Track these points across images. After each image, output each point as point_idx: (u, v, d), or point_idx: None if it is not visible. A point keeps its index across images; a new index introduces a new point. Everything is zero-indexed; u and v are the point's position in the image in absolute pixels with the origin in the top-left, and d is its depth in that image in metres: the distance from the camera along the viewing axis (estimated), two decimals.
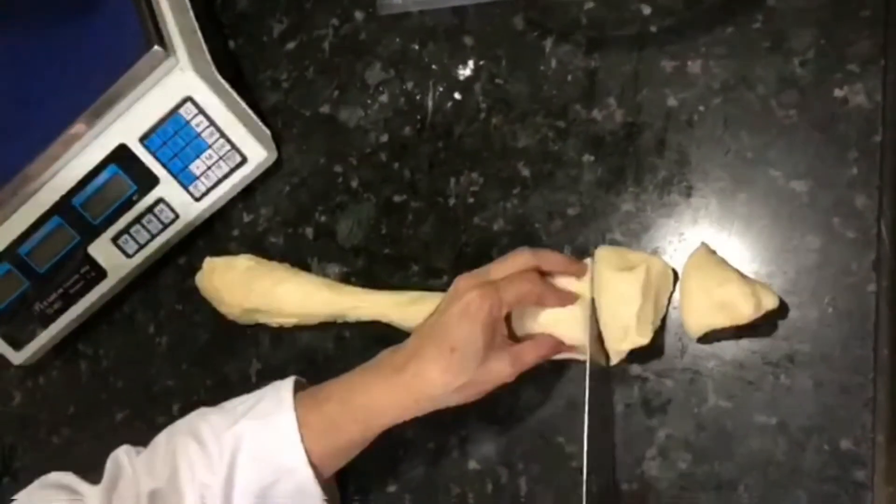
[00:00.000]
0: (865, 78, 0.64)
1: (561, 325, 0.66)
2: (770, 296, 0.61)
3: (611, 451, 0.66)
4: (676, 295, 0.66)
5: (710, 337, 0.64)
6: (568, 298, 0.66)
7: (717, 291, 0.61)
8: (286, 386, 0.66)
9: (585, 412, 0.63)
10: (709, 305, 0.62)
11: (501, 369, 0.63)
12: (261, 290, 0.78)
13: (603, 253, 0.66)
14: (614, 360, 0.66)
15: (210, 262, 0.82)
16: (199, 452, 0.64)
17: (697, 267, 0.63)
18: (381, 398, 0.63)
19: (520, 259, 0.65)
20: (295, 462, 0.63)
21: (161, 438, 0.68)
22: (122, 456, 0.68)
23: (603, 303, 0.65)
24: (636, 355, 0.67)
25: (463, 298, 0.62)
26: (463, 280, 0.64)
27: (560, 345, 0.66)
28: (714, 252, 0.65)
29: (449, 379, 0.61)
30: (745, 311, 0.60)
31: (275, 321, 0.79)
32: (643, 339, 0.64)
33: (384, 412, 0.63)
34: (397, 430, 0.72)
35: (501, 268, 0.65)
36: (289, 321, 0.79)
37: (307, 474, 0.63)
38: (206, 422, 0.66)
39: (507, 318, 0.66)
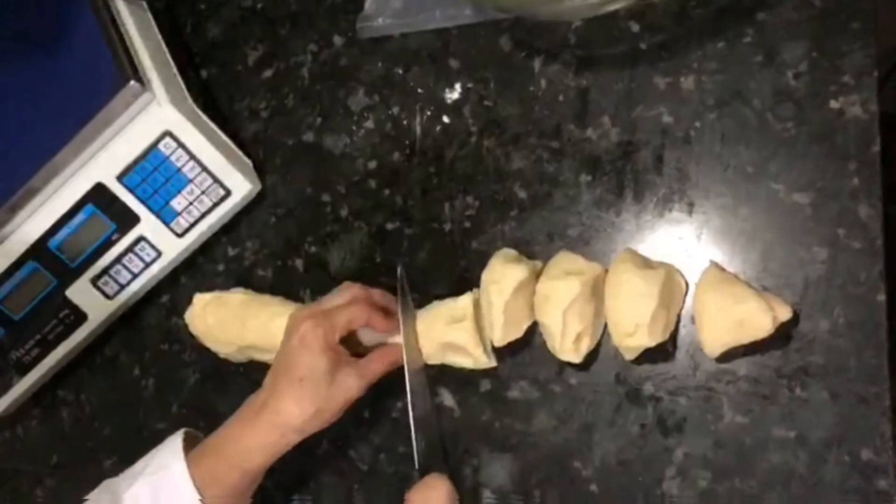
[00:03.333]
0: (860, 89, 0.65)
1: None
2: (784, 307, 0.62)
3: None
4: (686, 313, 0.66)
5: (725, 355, 0.64)
6: (393, 325, 0.71)
7: (733, 309, 0.61)
8: (176, 441, 0.69)
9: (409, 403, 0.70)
10: (727, 324, 0.62)
11: (350, 385, 0.67)
12: (256, 325, 0.76)
13: (625, 254, 0.66)
14: (627, 357, 0.66)
15: (200, 299, 0.80)
16: None
17: (710, 286, 0.63)
18: (248, 442, 0.66)
19: (348, 290, 0.71)
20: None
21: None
22: None
23: (619, 298, 0.65)
24: (647, 375, 0.67)
25: (299, 330, 0.67)
26: (296, 314, 0.69)
27: (398, 357, 0.71)
28: (723, 269, 0.65)
29: (304, 407, 0.66)
30: (763, 325, 0.61)
31: (270, 357, 0.77)
32: (653, 340, 0.64)
33: (255, 454, 0.66)
34: (407, 461, 0.71)
35: (331, 299, 0.70)
36: None
37: None
38: (105, 491, 0.68)
39: (353, 338, 0.71)
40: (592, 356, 0.68)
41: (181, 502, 0.65)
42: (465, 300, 0.69)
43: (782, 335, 0.63)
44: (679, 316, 0.67)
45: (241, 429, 0.67)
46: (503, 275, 0.67)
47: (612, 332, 0.66)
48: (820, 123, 0.65)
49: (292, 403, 0.66)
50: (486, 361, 0.70)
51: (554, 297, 0.66)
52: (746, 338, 0.62)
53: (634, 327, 0.64)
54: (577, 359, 0.66)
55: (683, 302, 0.67)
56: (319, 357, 0.66)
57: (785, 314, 0.62)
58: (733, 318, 0.61)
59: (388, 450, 0.74)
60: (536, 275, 0.68)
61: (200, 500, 0.65)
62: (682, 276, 0.67)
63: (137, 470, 0.68)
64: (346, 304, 0.69)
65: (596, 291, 0.67)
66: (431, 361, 0.72)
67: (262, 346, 0.76)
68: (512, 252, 0.70)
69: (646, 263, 0.66)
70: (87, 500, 0.69)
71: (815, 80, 0.66)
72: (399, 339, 0.71)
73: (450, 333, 0.69)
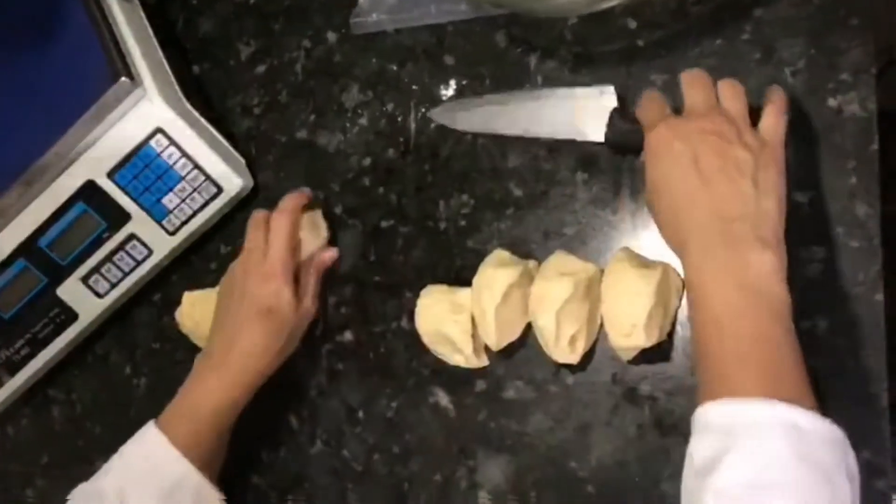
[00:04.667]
0: (858, 87, 0.64)
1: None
2: None
3: None
4: (683, 312, 0.66)
5: None
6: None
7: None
8: (148, 423, 0.69)
9: None
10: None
11: (309, 307, 0.72)
12: None
13: (621, 253, 0.66)
14: (624, 358, 0.65)
15: (189, 297, 0.79)
16: None
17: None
18: (224, 368, 0.69)
19: (257, 225, 0.74)
20: (182, 470, 0.66)
21: None
22: None
23: (615, 298, 0.65)
24: (644, 375, 0.66)
25: (253, 266, 0.71)
26: (236, 264, 0.73)
27: (323, 262, 0.75)
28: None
29: (273, 340, 0.69)
30: None
31: None
32: (649, 340, 0.63)
33: (233, 381, 0.68)
34: (402, 463, 0.70)
35: (253, 238, 0.73)
36: None
37: (197, 479, 0.66)
38: (85, 492, 0.68)
39: None
40: (589, 356, 0.67)
41: (172, 466, 0.66)
42: (465, 295, 0.68)
43: None
44: (676, 315, 0.66)
45: (206, 376, 0.69)
46: (494, 279, 0.67)
47: (609, 332, 0.65)
48: (818, 121, 0.65)
49: (261, 336, 0.68)
50: (475, 361, 0.70)
51: (547, 299, 0.65)
52: None
53: (631, 327, 0.63)
54: (571, 360, 0.66)
55: (680, 301, 0.66)
56: (285, 285, 0.69)
57: None
58: None
59: (383, 450, 0.74)
60: (532, 275, 0.68)
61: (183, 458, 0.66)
62: (678, 275, 0.66)
63: (111, 464, 0.69)
64: (266, 232, 0.73)
65: (591, 291, 0.66)
66: (427, 344, 0.72)
67: None
68: (504, 254, 0.70)
69: (642, 262, 0.65)
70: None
71: (813, 78, 0.65)
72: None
73: (446, 323, 0.68)
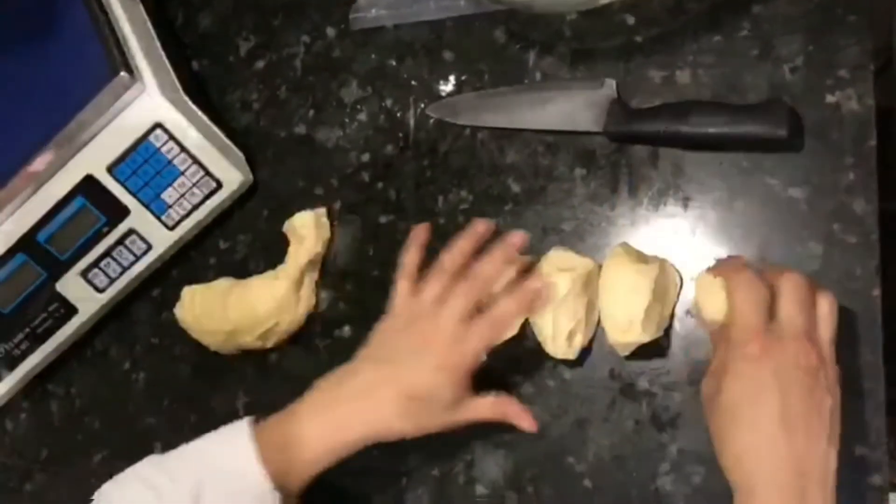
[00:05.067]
0: (856, 83, 0.64)
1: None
2: None
3: None
4: (680, 307, 0.66)
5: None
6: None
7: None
8: (242, 422, 0.63)
9: None
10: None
11: (457, 419, 0.63)
12: (237, 305, 0.76)
13: (619, 249, 0.66)
14: (621, 353, 0.65)
15: (188, 292, 0.79)
16: (155, 499, 0.59)
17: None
18: (335, 436, 0.62)
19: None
20: (257, 485, 0.60)
21: (108, 489, 0.62)
22: None
23: (612, 294, 0.65)
24: (641, 370, 0.66)
25: (435, 349, 0.61)
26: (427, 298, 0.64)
27: (509, 407, 0.64)
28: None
29: (405, 425, 0.61)
30: None
31: (257, 340, 0.76)
32: (647, 336, 0.63)
33: (335, 451, 0.62)
34: (400, 458, 0.70)
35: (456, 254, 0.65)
36: (272, 333, 0.76)
37: (273, 498, 0.60)
38: (157, 468, 0.62)
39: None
40: (586, 351, 0.67)
41: (250, 476, 0.60)
42: None
43: None
44: (673, 311, 0.66)
45: (320, 412, 0.62)
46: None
47: (606, 327, 0.65)
48: (816, 118, 0.65)
49: (395, 417, 0.61)
50: None
51: None
52: None
53: (628, 323, 0.63)
54: (569, 355, 0.66)
55: (678, 297, 0.66)
56: (449, 389, 0.61)
57: None
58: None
59: (382, 446, 0.73)
60: (529, 271, 0.68)
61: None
62: (676, 270, 0.66)
63: (193, 450, 0.62)
64: (479, 323, 0.62)
65: (588, 287, 0.66)
66: None
67: (245, 325, 0.76)
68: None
69: (640, 258, 0.66)
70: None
71: (811, 75, 0.66)
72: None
73: None
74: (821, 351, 0.54)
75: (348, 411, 0.62)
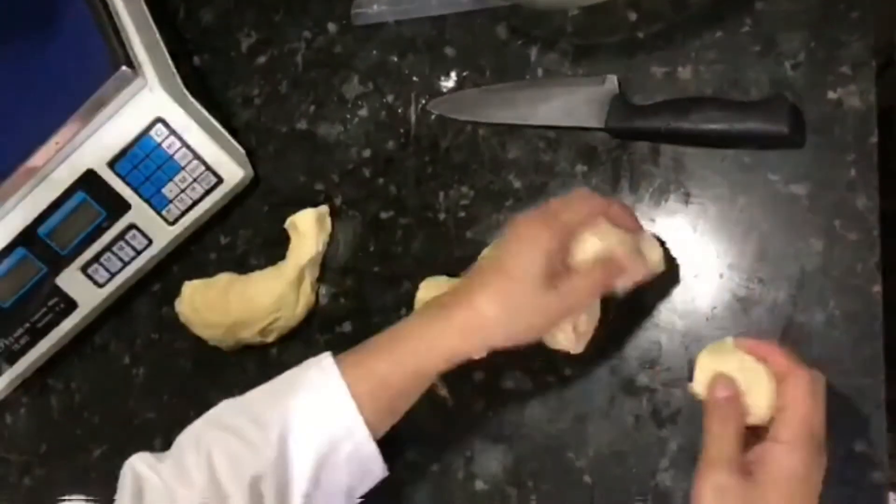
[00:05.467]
0: (858, 80, 0.64)
1: (618, 251, 0.60)
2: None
3: None
4: (682, 304, 0.66)
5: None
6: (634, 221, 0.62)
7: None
8: (325, 357, 0.61)
9: None
10: None
11: (550, 305, 0.57)
12: (237, 299, 0.76)
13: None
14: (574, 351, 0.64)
15: (189, 287, 0.79)
16: (240, 444, 0.57)
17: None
18: (427, 340, 0.58)
19: (584, 201, 0.60)
20: (350, 426, 0.58)
21: (186, 440, 0.60)
22: (141, 466, 0.59)
23: None
24: (641, 367, 0.66)
25: (519, 228, 0.58)
26: (521, 217, 0.60)
27: (612, 271, 0.59)
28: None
29: (499, 308, 0.57)
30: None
31: (257, 335, 0.76)
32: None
33: (432, 355, 0.58)
34: (399, 453, 0.70)
35: (564, 207, 0.59)
36: (272, 328, 0.76)
37: (364, 436, 0.58)
38: (237, 411, 0.60)
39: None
40: (587, 346, 0.67)
41: (343, 419, 0.58)
42: None
43: (776, 326, 0.63)
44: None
45: (419, 325, 0.59)
46: None
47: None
48: (818, 114, 0.65)
49: (487, 302, 0.56)
50: None
51: None
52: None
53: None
54: (572, 349, 0.66)
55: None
56: (538, 259, 0.56)
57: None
58: None
59: (381, 443, 0.73)
60: None
61: (356, 406, 0.57)
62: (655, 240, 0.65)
63: (278, 390, 0.60)
64: (575, 200, 0.60)
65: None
66: None
67: (245, 319, 0.76)
68: None
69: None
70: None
71: (813, 71, 0.65)
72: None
73: None
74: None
75: (443, 313, 0.59)
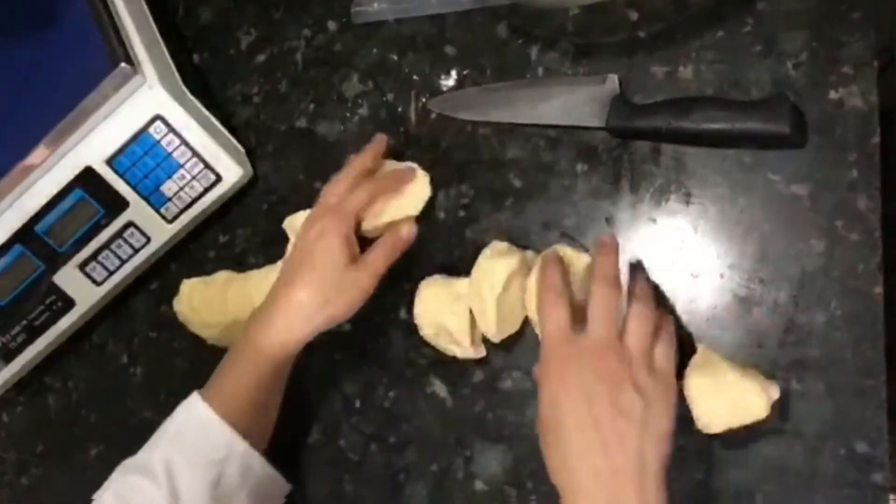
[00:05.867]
0: (860, 80, 0.64)
1: (402, 206, 0.72)
2: (773, 386, 0.61)
3: None
4: (697, 315, 0.66)
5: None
6: (404, 175, 0.72)
7: (727, 395, 0.60)
8: (191, 395, 0.68)
9: None
10: (721, 408, 0.60)
11: (362, 279, 0.66)
12: (236, 298, 0.76)
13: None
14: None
15: (187, 285, 0.79)
16: (131, 491, 0.63)
17: (701, 370, 0.62)
18: (262, 335, 0.66)
19: (348, 175, 0.71)
20: (227, 442, 0.64)
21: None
22: None
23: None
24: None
25: (315, 225, 0.67)
26: (312, 212, 0.70)
27: (399, 239, 0.69)
28: (713, 353, 0.64)
29: (313, 294, 0.65)
30: (759, 408, 0.60)
31: None
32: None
33: (271, 344, 0.66)
34: (398, 452, 0.70)
35: (334, 189, 0.70)
36: None
37: (243, 448, 0.64)
38: (125, 469, 0.66)
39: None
40: None
41: (218, 437, 0.64)
42: (463, 285, 0.68)
43: (778, 330, 0.63)
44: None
45: (252, 327, 0.67)
46: (492, 270, 0.66)
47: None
48: (819, 114, 0.64)
49: (301, 290, 0.65)
50: (473, 352, 0.69)
51: None
52: (743, 420, 0.60)
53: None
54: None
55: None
56: (338, 248, 0.66)
57: (775, 393, 0.61)
58: (728, 402, 0.60)
59: (379, 440, 0.73)
60: (529, 266, 0.68)
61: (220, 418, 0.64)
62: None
63: (156, 436, 0.67)
64: (352, 189, 0.69)
65: (587, 283, 0.66)
66: (425, 337, 0.71)
67: (244, 318, 0.74)
68: (502, 244, 0.69)
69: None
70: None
71: (815, 71, 0.65)
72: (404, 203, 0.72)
73: (445, 315, 0.68)
74: (631, 359, 0.58)
75: (273, 312, 0.67)
